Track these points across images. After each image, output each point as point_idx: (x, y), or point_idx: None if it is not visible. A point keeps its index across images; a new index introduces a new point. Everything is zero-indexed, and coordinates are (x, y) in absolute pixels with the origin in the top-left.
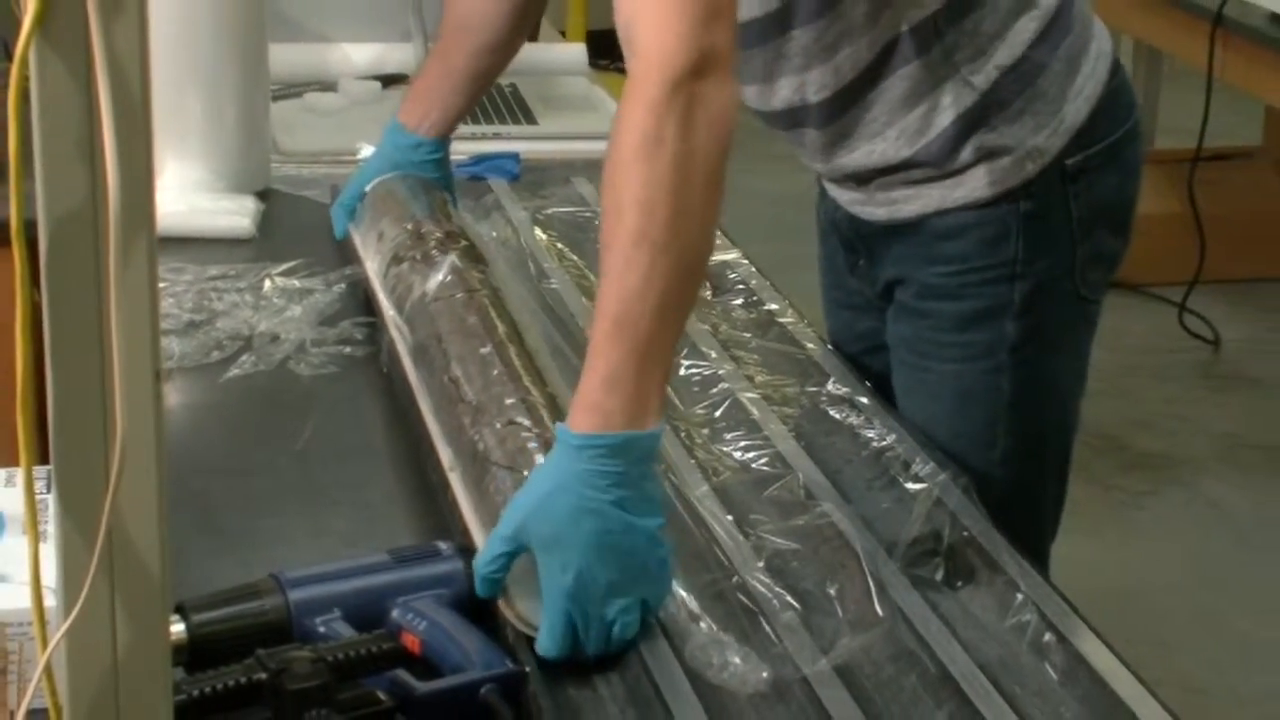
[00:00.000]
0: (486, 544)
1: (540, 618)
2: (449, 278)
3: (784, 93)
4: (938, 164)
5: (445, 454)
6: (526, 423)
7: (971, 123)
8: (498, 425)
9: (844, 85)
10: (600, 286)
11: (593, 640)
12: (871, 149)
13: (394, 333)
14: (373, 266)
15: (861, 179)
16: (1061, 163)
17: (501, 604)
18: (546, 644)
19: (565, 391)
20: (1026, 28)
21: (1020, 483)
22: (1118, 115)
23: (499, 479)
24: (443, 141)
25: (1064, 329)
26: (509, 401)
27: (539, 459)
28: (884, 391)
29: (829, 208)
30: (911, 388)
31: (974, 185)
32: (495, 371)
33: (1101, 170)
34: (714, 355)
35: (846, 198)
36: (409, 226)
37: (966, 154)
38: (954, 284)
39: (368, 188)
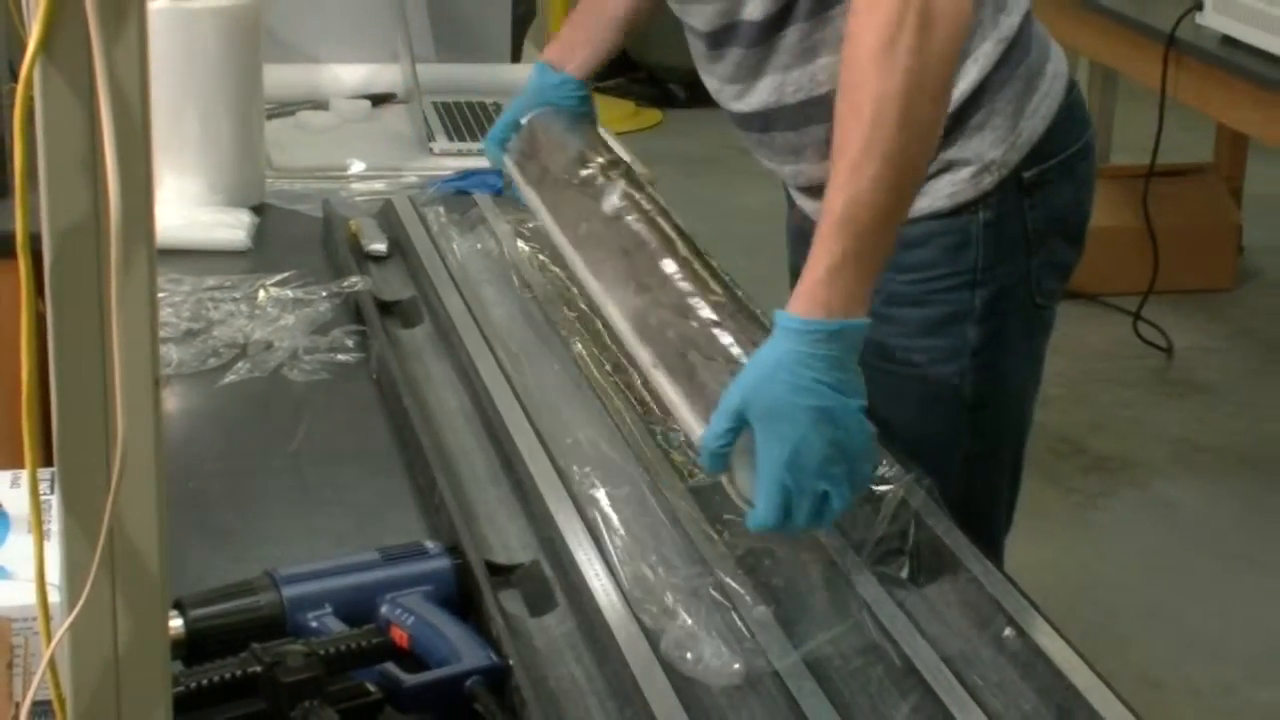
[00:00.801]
0: (712, 421)
1: (753, 489)
2: (623, 202)
3: (763, 94)
4: None
5: (646, 354)
6: (727, 322)
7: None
8: (695, 325)
9: (819, 92)
10: (830, 183)
11: (805, 512)
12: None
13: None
14: (533, 194)
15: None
16: (1019, 175)
17: (725, 480)
18: (762, 513)
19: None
20: (987, 50)
21: (979, 480)
22: (1072, 132)
23: (711, 370)
24: (588, 81)
25: (1021, 333)
26: (703, 307)
27: (737, 352)
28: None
29: (797, 217)
30: (877, 391)
31: (935, 196)
32: (684, 284)
33: (1057, 183)
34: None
35: (813, 207)
36: (573, 156)
37: (930, 166)
38: (918, 290)
39: (523, 120)
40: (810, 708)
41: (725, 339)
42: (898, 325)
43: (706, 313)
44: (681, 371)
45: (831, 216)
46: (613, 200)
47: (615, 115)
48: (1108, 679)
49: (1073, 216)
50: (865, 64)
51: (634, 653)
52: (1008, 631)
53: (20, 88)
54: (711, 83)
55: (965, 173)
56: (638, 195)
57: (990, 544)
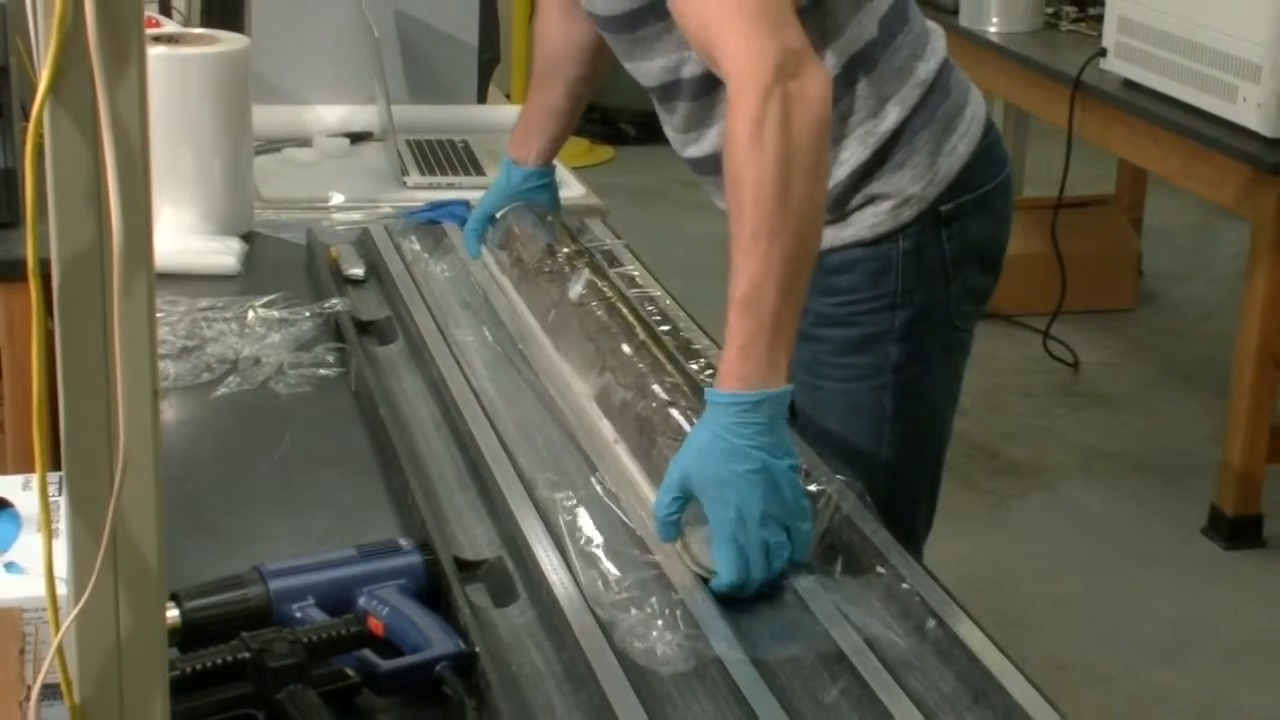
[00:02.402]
0: (660, 494)
1: (709, 558)
2: (587, 290)
3: (712, 140)
4: (832, 210)
5: (608, 430)
6: (680, 401)
7: (862, 175)
8: (653, 404)
9: None
10: (732, 267)
11: (758, 565)
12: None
13: (540, 335)
14: (508, 281)
15: None
16: (937, 208)
17: (679, 550)
18: (725, 571)
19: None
20: (906, 95)
21: (900, 486)
22: (989, 169)
23: (666, 446)
24: (549, 168)
25: (940, 353)
26: (659, 388)
27: (689, 429)
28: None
29: None
30: (807, 405)
31: (859, 227)
32: (642, 366)
33: (973, 216)
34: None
35: None
36: (543, 247)
37: (856, 200)
38: (844, 312)
39: (497, 215)
40: (750, 691)
41: (678, 417)
42: (825, 344)
43: (662, 393)
44: (639, 447)
45: (737, 299)
46: (578, 288)
47: (571, 152)
48: (1019, 664)
49: (989, 246)
50: (738, 154)
51: (589, 641)
52: (929, 622)
53: (31, 126)
54: (669, 132)
55: (886, 206)
56: (600, 283)
57: (910, 544)
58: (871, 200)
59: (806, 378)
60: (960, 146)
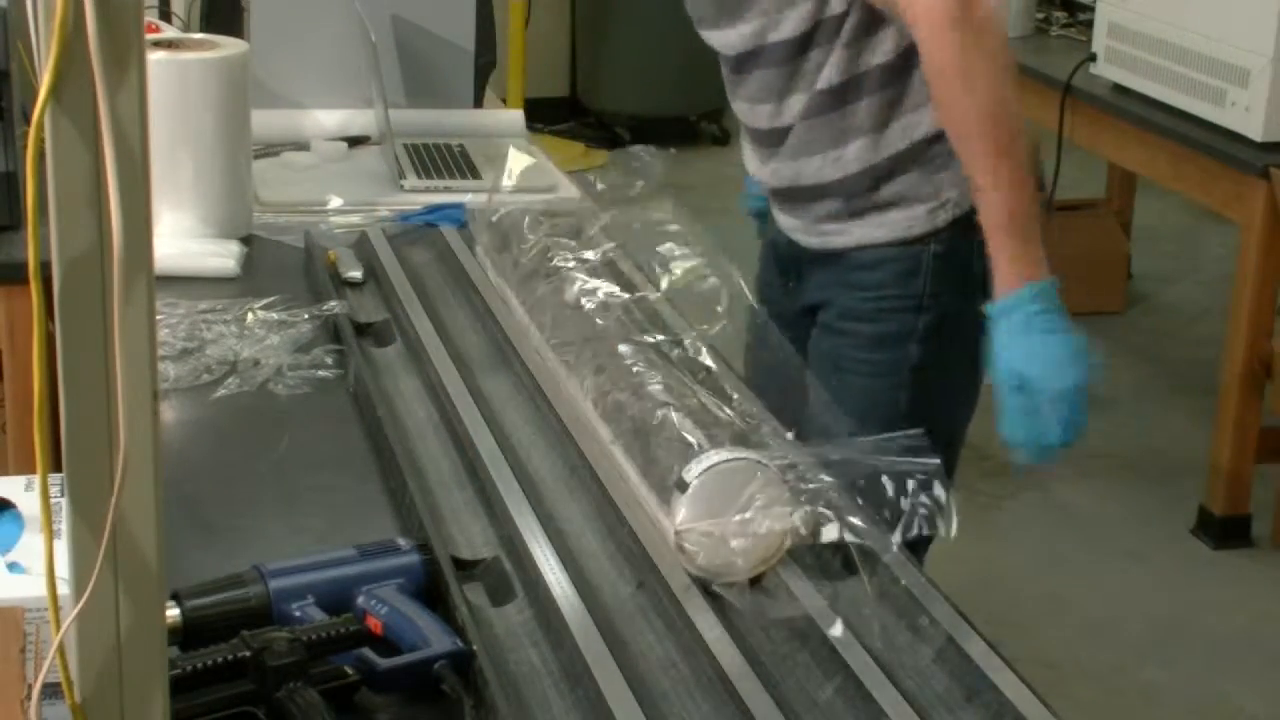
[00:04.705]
0: (1005, 400)
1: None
2: (581, 291)
3: (796, 107)
4: (858, 195)
5: (605, 432)
6: (675, 402)
7: (899, 164)
8: (649, 406)
9: (825, 102)
10: (978, 195)
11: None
12: (822, 164)
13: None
14: (505, 282)
15: (805, 197)
16: (971, 215)
17: (677, 550)
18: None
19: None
20: None
21: None
22: None
23: (661, 447)
24: None
25: (959, 360)
26: (655, 389)
27: (686, 431)
28: (799, 398)
29: (775, 232)
30: (828, 395)
31: (893, 227)
32: (637, 366)
33: None
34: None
35: (789, 224)
36: (541, 249)
37: (888, 193)
38: (869, 309)
39: (494, 218)
40: (744, 689)
41: (675, 418)
42: (849, 338)
43: (658, 394)
44: (635, 448)
45: (1001, 222)
46: (574, 290)
47: (566, 156)
48: (1010, 661)
49: None
50: (951, 91)
51: (586, 639)
52: (922, 620)
53: (32, 130)
54: (741, 104)
55: (921, 209)
56: (596, 285)
57: (915, 546)
58: (908, 201)
59: (828, 369)
60: None
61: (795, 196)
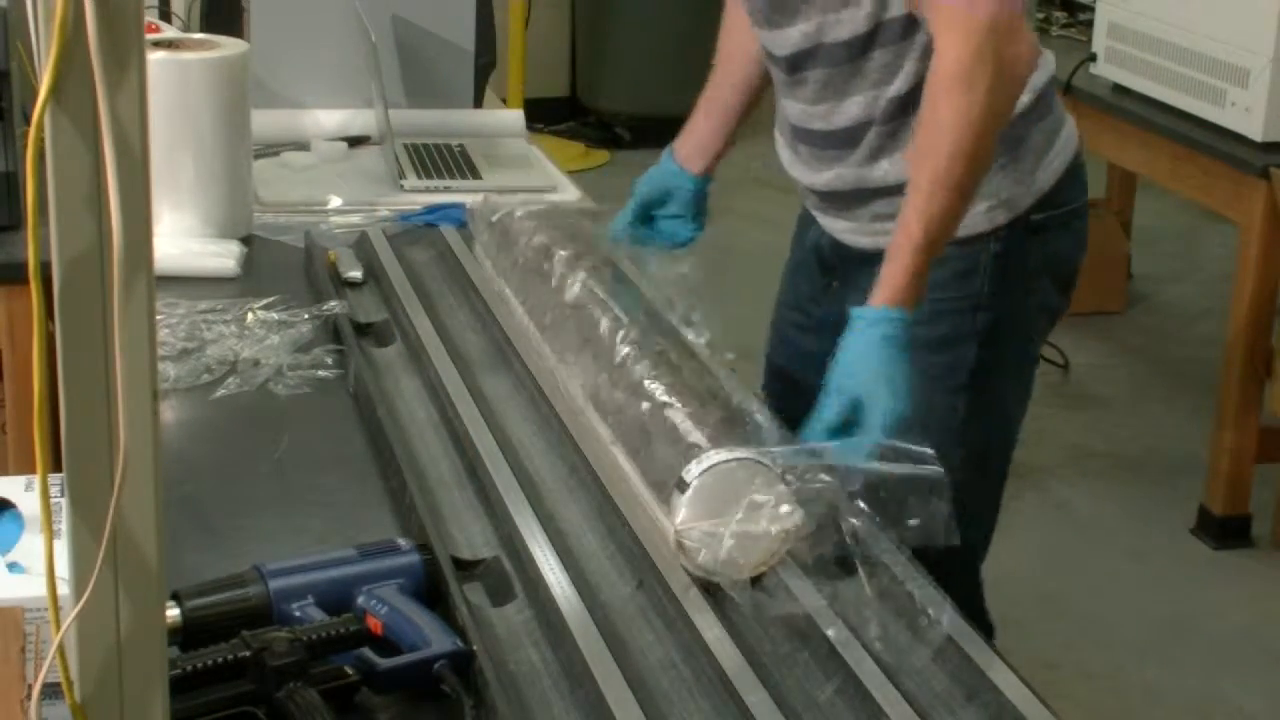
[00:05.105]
0: (825, 403)
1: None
2: (584, 291)
3: (852, 111)
4: None
5: (604, 431)
6: (675, 402)
7: None
8: (649, 406)
9: (896, 104)
10: (908, 203)
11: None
12: (888, 167)
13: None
14: (505, 283)
15: (862, 199)
16: (1028, 217)
17: (677, 550)
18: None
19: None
20: (1022, 99)
21: (966, 490)
22: (1076, 190)
23: (661, 447)
24: (703, 178)
25: (1014, 363)
26: (655, 389)
27: (686, 431)
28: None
29: (815, 234)
30: None
31: None
32: (637, 366)
33: (1057, 232)
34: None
35: (839, 225)
36: (540, 249)
37: None
38: (925, 310)
39: (494, 218)
40: (744, 688)
41: (674, 418)
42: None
43: (658, 395)
44: (635, 448)
45: (910, 236)
46: (574, 290)
47: (566, 156)
48: (1010, 662)
49: (1066, 266)
50: (944, 97)
51: (586, 639)
52: (922, 620)
53: (32, 130)
54: (793, 105)
55: (981, 207)
56: (596, 286)
57: (969, 555)
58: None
59: None
60: (1057, 161)
61: (851, 199)
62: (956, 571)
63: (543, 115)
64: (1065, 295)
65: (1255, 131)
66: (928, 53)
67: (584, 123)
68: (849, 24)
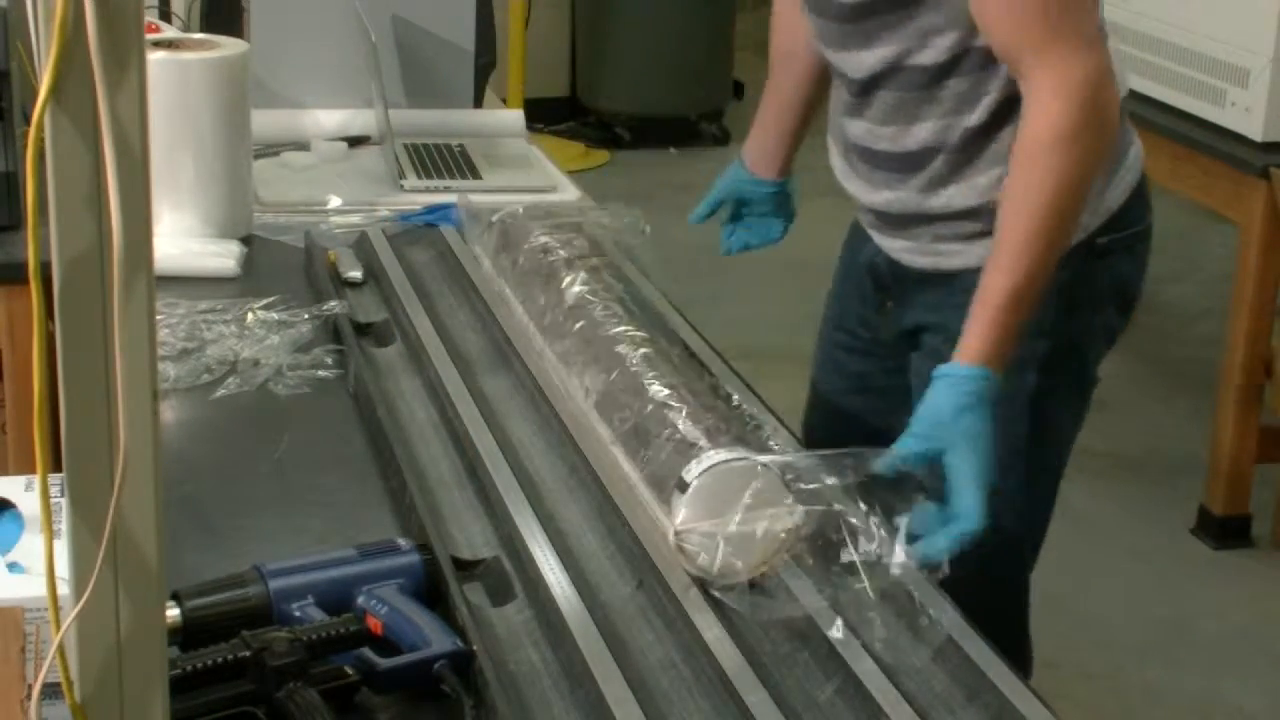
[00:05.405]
0: (905, 447)
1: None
2: (584, 289)
3: (922, 135)
4: (983, 217)
5: (605, 431)
6: (676, 403)
7: None
8: (650, 406)
9: (970, 133)
10: (994, 263)
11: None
12: (953, 194)
13: (535, 333)
14: (505, 282)
15: (923, 220)
16: (1094, 240)
17: (677, 551)
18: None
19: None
20: None
21: (1022, 517)
22: (1141, 211)
23: (658, 447)
24: (780, 181)
25: (1074, 388)
26: (656, 389)
27: (686, 431)
28: (862, 431)
29: (869, 252)
30: None
31: None
32: (637, 366)
33: (1122, 254)
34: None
35: (896, 244)
36: (539, 249)
37: None
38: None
39: (493, 219)
40: (744, 688)
41: (674, 418)
42: None
43: (659, 395)
44: (635, 448)
45: (999, 295)
46: (574, 290)
47: (567, 155)
48: (1010, 662)
49: (1129, 289)
50: (1043, 156)
51: (586, 639)
52: (922, 620)
53: (32, 130)
54: (857, 124)
55: None
56: (596, 285)
57: (1018, 575)
58: None
59: None
60: (1124, 182)
61: (910, 221)
62: (1007, 592)
63: (543, 115)
64: (1126, 318)
65: (1255, 131)
66: (1008, 83)
67: (584, 123)
68: (932, 51)
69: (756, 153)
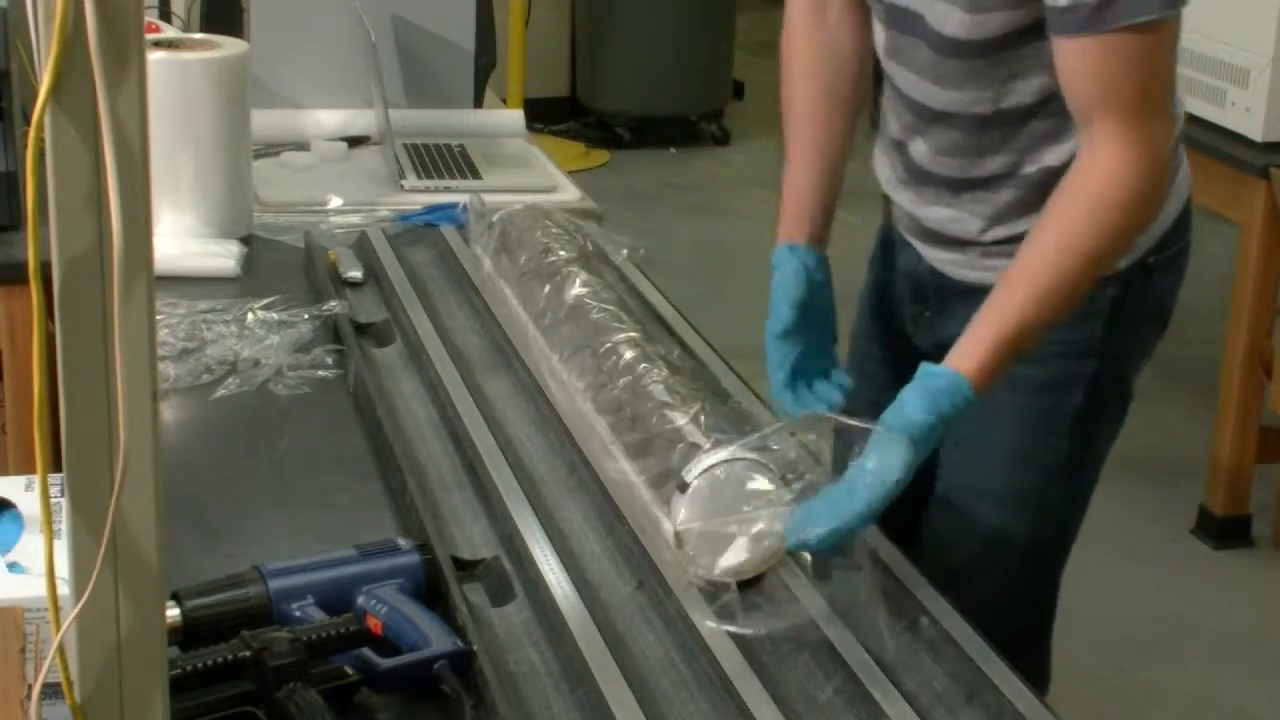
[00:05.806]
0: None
1: (707, 560)
2: (583, 290)
3: (992, 166)
4: None
5: (604, 431)
6: (675, 403)
7: None
8: (649, 405)
9: (1047, 172)
10: (1007, 298)
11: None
12: (1017, 225)
13: (534, 332)
14: (504, 282)
15: (968, 242)
16: (1145, 259)
17: (677, 549)
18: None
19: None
20: None
21: (1062, 534)
22: (1185, 229)
23: (657, 446)
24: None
25: (1115, 405)
26: (651, 387)
27: (686, 430)
28: None
29: (909, 260)
30: (964, 441)
31: None
32: (636, 365)
33: (1167, 272)
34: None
35: (942, 257)
36: (539, 251)
37: None
38: (1036, 351)
39: (494, 218)
40: (744, 688)
41: (674, 417)
42: (1011, 380)
43: (658, 394)
44: (635, 448)
45: (1004, 331)
46: (574, 290)
47: (567, 156)
48: (1009, 662)
49: (1169, 306)
50: (1099, 213)
51: (585, 639)
52: (922, 620)
53: (32, 130)
54: (919, 148)
55: None
56: (596, 285)
57: (1051, 590)
58: None
59: (974, 411)
60: (1174, 199)
61: (964, 241)
62: (1038, 607)
63: (543, 115)
64: (1161, 335)
65: (1255, 131)
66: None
67: (584, 123)
68: (1015, 95)
69: (798, 219)
